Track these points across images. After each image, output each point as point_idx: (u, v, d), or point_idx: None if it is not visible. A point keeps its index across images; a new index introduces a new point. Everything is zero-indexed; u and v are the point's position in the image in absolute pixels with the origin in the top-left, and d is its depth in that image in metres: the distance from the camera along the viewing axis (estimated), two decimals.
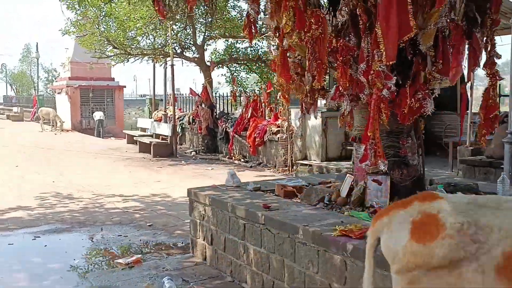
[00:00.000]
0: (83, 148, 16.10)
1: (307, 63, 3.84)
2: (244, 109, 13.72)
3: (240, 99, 14.79)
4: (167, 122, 16.92)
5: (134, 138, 15.31)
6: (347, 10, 3.65)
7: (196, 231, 4.87)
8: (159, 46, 14.19)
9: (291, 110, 10.54)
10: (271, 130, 11.84)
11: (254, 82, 16.04)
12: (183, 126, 16.11)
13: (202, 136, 14.65)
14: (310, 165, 9.99)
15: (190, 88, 14.97)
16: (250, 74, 16.03)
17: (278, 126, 11.83)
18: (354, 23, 3.59)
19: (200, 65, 14.51)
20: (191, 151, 14.77)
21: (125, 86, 27.11)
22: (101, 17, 13.08)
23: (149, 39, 13.83)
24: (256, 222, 3.87)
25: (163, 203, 7.63)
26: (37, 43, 33.24)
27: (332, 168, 9.37)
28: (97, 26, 12.82)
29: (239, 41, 14.96)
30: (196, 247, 4.89)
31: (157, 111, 18.67)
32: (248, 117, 13.28)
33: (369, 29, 3.38)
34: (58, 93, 26.81)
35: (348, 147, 10.16)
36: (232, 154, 13.28)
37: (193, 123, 16.00)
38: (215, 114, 14.70)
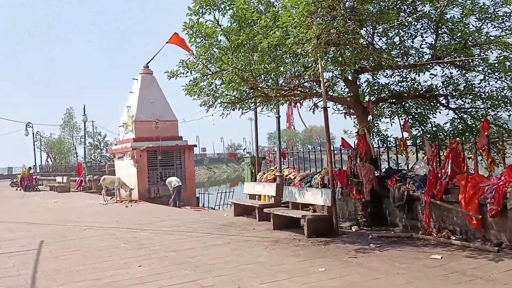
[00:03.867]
0: (182, 226, 12.11)
1: None
2: (432, 163, 9.71)
3: (416, 150, 10.80)
4: (283, 184, 13.01)
5: (265, 210, 11.22)
6: None
7: None
8: (304, 83, 10.41)
9: None
10: None
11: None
12: None
13: (363, 203, 10.57)
14: None
15: (343, 139, 11.05)
16: (394, 116, 12.08)
17: None
18: None
19: (355, 107, 10.66)
20: (350, 225, 10.64)
21: (195, 145, 23.49)
22: (234, 47, 9.45)
23: (295, 72, 10.04)
24: None
25: None
26: (84, 105, 30.27)
27: None
28: (234, 59, 9.11)
29: (397, 73, 11.18)
30: None
31: (266, 172, 14.76)
32: (448, 173, 9.25)
33: None
34: (119, 157, 23.27)
35: None
36: (430, 229, 9.12)
37: (329, 186, 12.00)
38: (380, 172, 10.72)
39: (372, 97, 11.26)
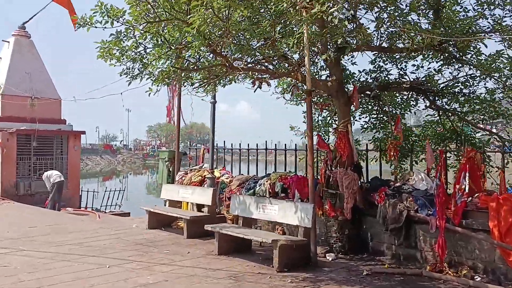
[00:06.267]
0: (79, 244, 8.52)
1: None
2: (440, 176, 7.50)
3: (411, 157, 8.56)
4: (214, 188, 10.01)
5: (207, 227, 8.03)
6: None
7: None
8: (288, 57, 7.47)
9: None
10: None
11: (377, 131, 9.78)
12: None
13: (339, 222, 8.01)
14: None
15: (319, 136, 8.37)
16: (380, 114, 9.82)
17: None
18: None
19: (337, 94, 8.04)
20: (324, 252, 8.00)
21: (83, 132, 19.09)
22: None
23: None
24: None
25: None
26: None
27: None
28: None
29: (378, 59, 8.87)
30: None
31: (189, 172, 11.51)
32: (466, 189, 7.09)
33: None
34: None
35: None
36: (442, 264, 6.85)
37: (285, 194, 9.36)
38: (364, 182, 8.26)
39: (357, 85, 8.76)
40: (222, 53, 6.87)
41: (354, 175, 7.90)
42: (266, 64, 8.04)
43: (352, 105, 8.23)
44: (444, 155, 7.64)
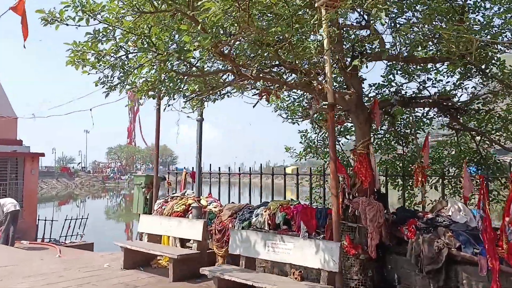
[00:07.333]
0: None
1: None
2: (484, 205, 6.34)
3: (442, 182, 7.38)
4: (204, 220, 8.53)
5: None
6: None
7: None
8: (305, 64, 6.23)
9: None
10: None
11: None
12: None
13: (361, 261, 6.72)
14: None
15: (337, 159, 7.08)
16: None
17: None
18: None
19: (357, 110, 6.83)
20: None
21: (43, 154, 17.07)
22: None
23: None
24: None
25: None
26: None
27: None
28: None
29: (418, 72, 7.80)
30: None
31: (170, 200, 9.94)
32: None
33: None
34: None
35: None
36: None
37: (287, 227, 8.02)
38: (389, 214, 6.99)
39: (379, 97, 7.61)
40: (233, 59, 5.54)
41: (379, 205, 6.67)
42: (272, 73, 6.76)
43: (373, 123, 7.05)
44: (485, 182, 6.52)
